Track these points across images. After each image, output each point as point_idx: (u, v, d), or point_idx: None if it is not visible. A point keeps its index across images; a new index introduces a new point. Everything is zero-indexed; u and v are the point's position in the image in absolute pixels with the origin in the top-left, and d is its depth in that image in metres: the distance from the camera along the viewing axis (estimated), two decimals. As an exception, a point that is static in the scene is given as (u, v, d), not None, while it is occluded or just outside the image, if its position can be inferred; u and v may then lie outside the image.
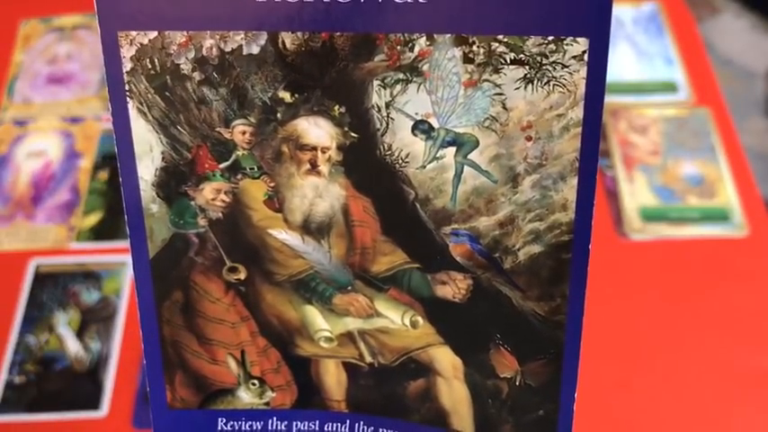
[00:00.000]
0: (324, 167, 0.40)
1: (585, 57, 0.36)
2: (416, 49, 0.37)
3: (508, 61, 0.37)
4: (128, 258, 0.83)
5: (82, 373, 0.78)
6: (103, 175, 0.93)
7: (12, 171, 0.94)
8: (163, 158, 0.41)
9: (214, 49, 0.38)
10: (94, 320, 0.82)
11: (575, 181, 0.38)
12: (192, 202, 0.42)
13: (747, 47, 1.92)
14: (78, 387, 0.77)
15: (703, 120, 0.96)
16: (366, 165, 0.40)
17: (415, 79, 0.38)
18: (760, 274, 0.84)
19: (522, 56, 0.36)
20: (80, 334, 0.81)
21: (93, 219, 0.89)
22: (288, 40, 0.37)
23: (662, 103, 0.98)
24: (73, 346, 0.80)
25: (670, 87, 1.00)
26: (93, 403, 0.76)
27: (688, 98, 0.98)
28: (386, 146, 0.39)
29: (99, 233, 0.88)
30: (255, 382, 0.44)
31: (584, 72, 0.36)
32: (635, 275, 0.84)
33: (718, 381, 0.77)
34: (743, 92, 1.80)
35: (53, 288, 0.84)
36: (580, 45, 0.36)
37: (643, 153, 0.93)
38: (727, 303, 0.81)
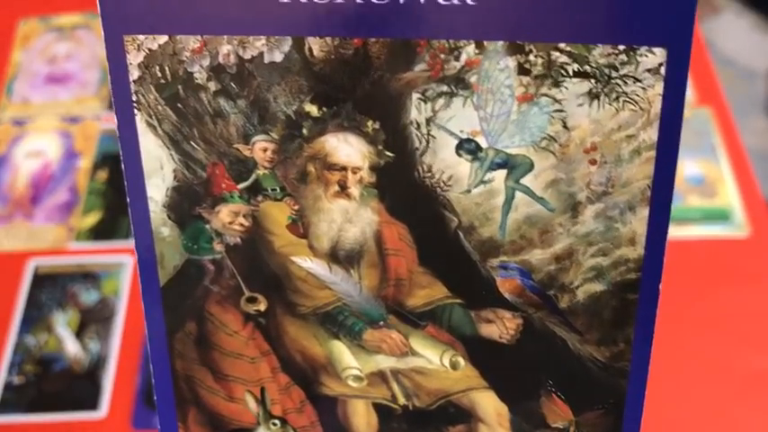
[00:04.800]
0: (354, 189, 0.36)
1: (662, 70, 0.32)
2: (463, 57, 0.33)
3: (570, 73, 0.33)
4: (127, 258, 0.86)
5: (81, 373, 0.79)
6: (102, 175, 0.93)
7: (10, 171, 0.95)
8: (175, 177, 0.37)
9: (232, 56, 0.35)
10: (93, 321, 0.83)
11: (645, 212, 0.34)
12: (207, 226, 0.38)
13: (748, 46, 1.93)
14: (77, 387, 0.78)
15: (704, 119, 0.96)
16: (402, 187, 0.36)
17: (460, 92, 0.34)
18: (761, 274, 0.84)
19: (587, 67, 0.32)
20: (79, 334, 0.82)
21: (92, 219, 0.90)
22: (315, 46, 0.34)
23: (662, 103, 0.99)
24: (72, 347, 0.81)
25: (671, 87, 1.00)
26: (93, 404, 0.77)
27: (689, 98, 0.99)
28: (425, 167, 0.35)
29: (98, 233, 0.89)
30: (276, 422, 0.41)
31: (660, 88, 0.32)
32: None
33: (719, 381, 0.77)
34: (744, 91, 1.81)
35: (52, 288, 0.85)
36: (656, 56, 0.32)
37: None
38: (727, 303, 0.82)
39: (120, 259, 0.86)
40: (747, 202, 0.89)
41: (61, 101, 1.00)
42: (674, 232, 0.87)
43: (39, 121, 0.98)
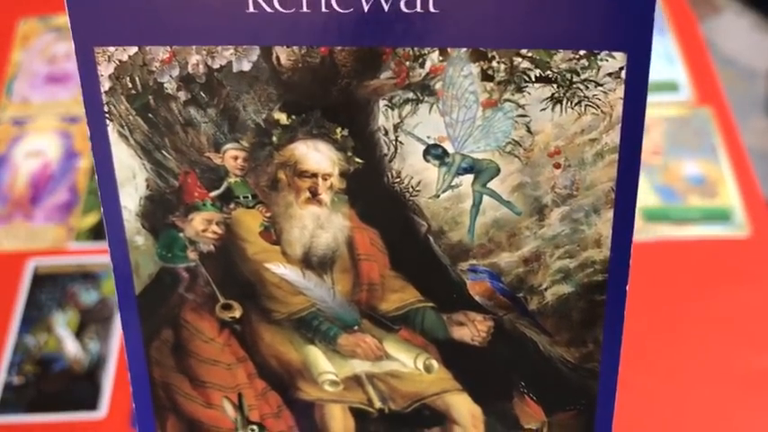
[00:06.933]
0: (325, 196, 0.36)
1: (623, 74, 0.32)
2: (428, 64, 0.33)
3: (533, 78, 0.33)
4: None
5: (80, 373, 0.79)
6: (102, 175, 0.92)
7: (10, 171, 0.94)
8: (147, 186, 0.37)
9: (201, 66, 0.35)
10: (93, 321, 0.82)
11: (610, 214, 0.34)
12: (181, 234, 0.38)
13: (749, 46, 1.93)
14: (77, 388, 0.78)
15: (705, 119, 0.96)
16: (372, 193, 0.36)
17: (426, 99, 0.34)
18: (761, 275, 0.84)
19: (548, 72, 0.32)
20: (79, 334, 0.81)
21: (92, 219, 0.90)
22: (283, 55, 0.34)
23: (663, 103, 0.97)
24: (71, 347, 0.80)
25: (671, 87, 0.99)
26: (92, 404, 0.77)
27: (689, 98, 0.98)
28: (394, 173, 0.35)
29: (98, 233, 0.89)
30: (254, 427, 0.41)
31: (621, 91, 0.32)
32: (636, 275, 0.84)
33: (719, 381, 0.77)
34: (744, 91, 1.80)
35: (52, 288, 0.84)
36: (617, 61, 0.32)
37: (644, 153, 0.93)
38: (728, 303, 0.82)
39: (121, 260, 0.87)
40: (748, 202, 0.88)
41: (61, 101, 0.99)
42: (674, 232, 0.87)
43: (38, 121, 0.97)
